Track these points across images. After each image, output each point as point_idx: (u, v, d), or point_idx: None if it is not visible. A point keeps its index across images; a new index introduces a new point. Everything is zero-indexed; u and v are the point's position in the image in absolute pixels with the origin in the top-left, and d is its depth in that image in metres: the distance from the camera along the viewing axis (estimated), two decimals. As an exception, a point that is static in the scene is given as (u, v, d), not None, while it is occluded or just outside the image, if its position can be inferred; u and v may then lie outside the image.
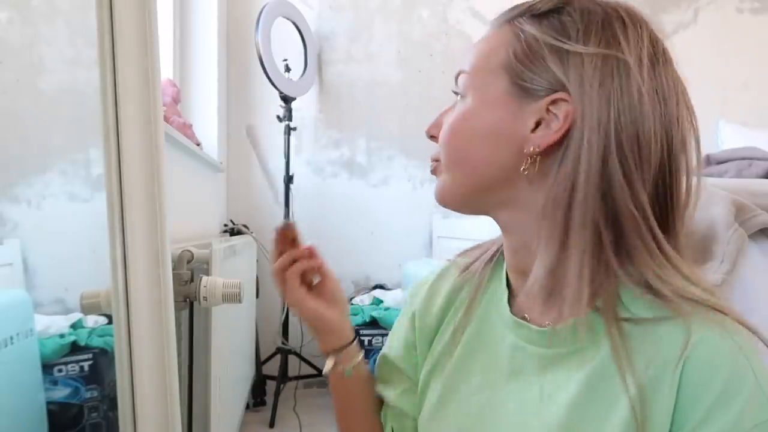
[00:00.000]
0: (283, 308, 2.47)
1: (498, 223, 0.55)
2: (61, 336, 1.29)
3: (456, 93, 0.55)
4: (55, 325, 1.30)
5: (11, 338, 1.09)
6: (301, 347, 2.53)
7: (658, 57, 0.50)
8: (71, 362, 1.27)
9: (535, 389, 0.51)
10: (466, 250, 0.67)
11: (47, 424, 1.22)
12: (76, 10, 1.43)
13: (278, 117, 2.42)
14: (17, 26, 1.38)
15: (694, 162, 0.49)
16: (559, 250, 0.48)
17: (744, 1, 2.84)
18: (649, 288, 0.46)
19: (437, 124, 0.56)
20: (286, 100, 2.40)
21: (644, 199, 0.45)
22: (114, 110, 0.76)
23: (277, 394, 2.23)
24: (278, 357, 2.38)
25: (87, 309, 0.91)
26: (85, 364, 1.28)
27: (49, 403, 1.24)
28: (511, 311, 0.56)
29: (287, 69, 2.44)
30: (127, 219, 0.77)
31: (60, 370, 1.26)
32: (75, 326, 1.34)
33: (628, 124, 0.45)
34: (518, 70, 0.49)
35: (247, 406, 2.25)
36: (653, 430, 0.43)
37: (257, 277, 2.46)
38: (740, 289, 1.12)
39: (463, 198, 0.54)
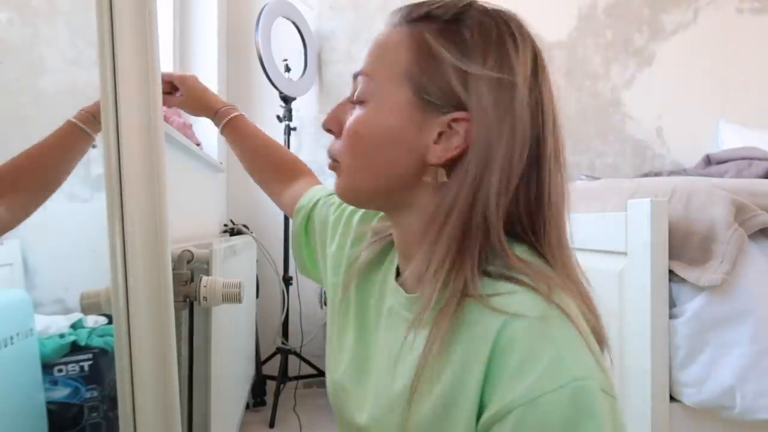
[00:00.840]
0: (283, 308, 2.48)
1: (390, 218, 0.60)
2: (61, 336, 1.29)
3: (353, 99, 0.58)
4: (55, 325, 1.30)
5: (11, 338, 1.09)
6: (301, 347, 2.53)
7: (539, 70, 0.53)
8: (71, 362, 1.27)
9: (398, 344, 0.57)
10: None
11: (47, 424, 1.22)
12: (76, 10, 1.43)
13: (278, 117, 2.42)
14: (17, 26, 1.38)
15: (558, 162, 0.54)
16: (434, 245, 0.52)
17: (744, 1, 2.85)
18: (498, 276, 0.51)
19: (336, 120, 0.59)
20: (286, 100, 2.40)
21: (502, 211, 0.50)
22: (114, 110, 0.76)
23: (277, 394, 2.23)
24: (278, 357, 2.37)
25: (87, 309, 0.91)
26: (85, 364, 1.28)
27: (49, 403, 1.24)
28: (396, 281, 0.62)
29: (287, 69, 2.44)
30: (127, 219, 0.77)
31: (60, 370, 1.26)
32: (75, 326, 1.34)
33: (511, 141, 0.50)
34: (422, 84, 0.52)
35: (247, 406, 2.25)
36: (464, 404, 0.47)
37: (257, 277, 2.46)
38: (740, 289, 1.12)
39: (365, 198, 0.59)
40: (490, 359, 0.46)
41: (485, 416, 0.45)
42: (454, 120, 0.51)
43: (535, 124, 0.51)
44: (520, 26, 0.54)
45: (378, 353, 0.61)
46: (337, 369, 0.67)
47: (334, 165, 0.59)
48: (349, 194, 0.59)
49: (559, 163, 0.53)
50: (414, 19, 0.54)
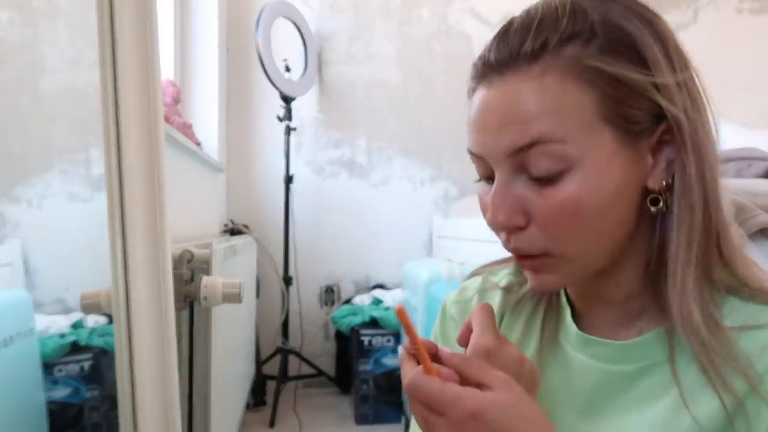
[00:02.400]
0: (283, 308, 2.48)
1: (593, 277, 0.49)
2: (62, 336, 1.29)
3: (536, 177, 0.44)
4: (55, 324, 1.31)
5: (12, 338, 1.09)
6: (301, 347, 2.53)
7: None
8: (71, 362, 1.27)
9: (621, 407, 0.47)
10: (488, 265, 0.63)
11: (47, 424, 1.22)
12: (76, 10, 1.43)
13: (278, 117, 2.43)
14: (17, 26, 1.38)
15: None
16: (652, 272, 0.46)
17: (744, 1, 2.85)
18: (747, 291, 0.45)
19: (517, 210, 0.45)
20: (286, 100, 2.40)
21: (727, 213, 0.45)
22: (114, 110, 0.76)
23: (277, 393, 2.23)
24: (278, 357, 2.38)
25: (87, 309, 0.91)
26: (86, 364, 1.28)
27: (49, 402, 1.24)
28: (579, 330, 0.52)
29: (287, 69, 2.44)
30: (127, 219, 0.77)
31: (60, 370, 1.26)
32: (75, 326, 1.34)
33: (709, 129, 0.46)
34: (625, 116, 0.43)
35: (247, 406, 2.25)
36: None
37: (257, 277, 2.46)
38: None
39: (591, 274, 0.48)
40: None
41: None
42: (663, 133, 0.44)
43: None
44: (651, 8, 0.47)
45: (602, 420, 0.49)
46: None
47: (544, 262, 0.47)
48: (572, 281, 0.50)
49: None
50: (554, 49, 0.43)
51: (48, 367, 1.25)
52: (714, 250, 0.45)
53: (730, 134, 2.48)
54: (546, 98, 0.43)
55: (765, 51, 2.83)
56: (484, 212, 0.48)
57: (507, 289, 0.59)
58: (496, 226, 0.46)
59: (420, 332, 0.65)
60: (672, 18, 2.81)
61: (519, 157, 0.44)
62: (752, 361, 0.42)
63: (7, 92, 1.37)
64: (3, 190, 1.36)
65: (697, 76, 0.47)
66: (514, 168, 0.45)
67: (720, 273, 0.45)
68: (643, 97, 0.43)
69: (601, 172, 0.43)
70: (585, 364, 0.50)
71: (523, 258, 0.47)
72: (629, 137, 0.44)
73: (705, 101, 0.47)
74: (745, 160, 1.90)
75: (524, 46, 0.43)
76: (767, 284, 0.45)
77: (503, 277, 0.60)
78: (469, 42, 2.72)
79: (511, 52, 0.44)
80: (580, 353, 0.51)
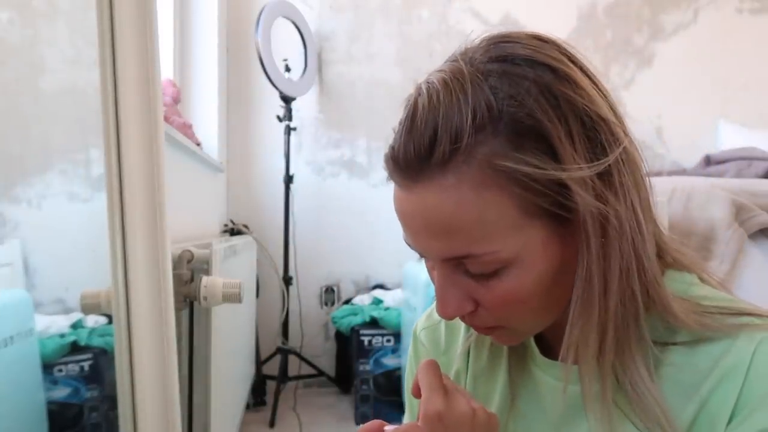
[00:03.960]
0: (283, 308, 2.48)
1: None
2: (62, 336, 1.29)
3: (475, 274, 0.44)
4: (55, 325, 1.30)
5: (11, 338, 1.09)
6: (301, 347, 2.53)
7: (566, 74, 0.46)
8: (71, 362, 1.27)
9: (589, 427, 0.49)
10: None
11: (47, 424, 1.22)
12: (76, 10, 1.43)
13: (278, 117, 2.43)
14: (17, 26, 1.38)
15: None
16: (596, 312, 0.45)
17: (744, 1, 2.84)
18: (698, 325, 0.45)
19: (463, 298, 0.45)
20: (286, 100, 2.40)
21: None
22: (114, 110, 0.76)
23: (277, 393, 2.23)
24: (278, 357, 2.38)
25: (87, 309, 0.91)
26: (86, 364, 1.28)
27: (49, 403, 1.24)
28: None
29: (287, 69, 2.44)
30: (127, 219, 0.77)
31: (60, 370, 1.26)
32: (75, 326, 1.34)
33: (624, 228, 0.45)
34: (544, 207, 0.41)
35: (247, 406, 2.25)
36: None
37: (257, 277, 2.46)
38: (739, 289, 1.12)
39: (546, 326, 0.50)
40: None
41: None
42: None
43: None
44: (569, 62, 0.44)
45: None
46: None
47: (500, 332, 0.49)
48: (528, 335, 0.51)
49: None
50: (464, 151, 0.40)
51: (48, 367, 1.25)
52: (656, 298, 0.45)
53: (730, 134, 2.51)
54: (466, 211, 0.41)
55: (765, 51, 2.83)
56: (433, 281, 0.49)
57: None
58: (447, 317, 0.46)
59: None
60: (672, 18, 2.82)
61: (454, 260, 0.44)
62: (696, 385, 0.43)
63: (7, 92, 1.37)
64: (3, 190, 1.36)
65: (631, 141, 0.44)
66: (452, 265, 0.45)
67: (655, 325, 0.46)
68: (551, 184, 0.40)
69: (538, 261, 0.43)
70: (553, 386, 0.51)
71: (478, 329, 0.49)
72: (560, 220, 0.42)
73: (638, 177, 0.44)
74: (745, 160, 1.91)
75: (434, 153, 0.40)
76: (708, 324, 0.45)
77: None
78: (469, 42, 2.71)
79: (420, 159, 0.41)
80: (547, 375, 0.52)
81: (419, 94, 0.43)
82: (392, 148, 0.44)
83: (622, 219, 0.42)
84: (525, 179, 0.40)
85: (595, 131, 0.41)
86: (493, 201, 0.40)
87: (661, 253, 0.48)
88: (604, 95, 0.44)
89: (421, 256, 0.47)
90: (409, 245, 0.47)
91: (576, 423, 0.49)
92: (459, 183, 0.40)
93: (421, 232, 0.43)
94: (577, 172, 0.40)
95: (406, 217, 0.44)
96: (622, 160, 0.42)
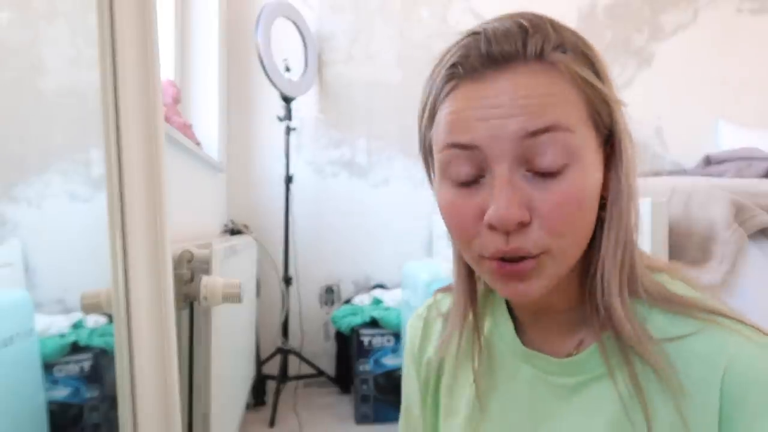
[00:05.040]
0: (283, 308, 2.48)
1: None
2: (62, 336, 1.29)
3: (540, 169, 0.45)
4: (55, 325, 1.30)
5: (12, 338, 1.09)
6: (301, 347, 2.53)
7: None
8: (72, 362, 1.27)
9: (564, 420, 0.50)
10: (443, 288, 0.65)
11: (48, 424, 1.22)
12: (76, 10, 1.43)
13: (278, 117, 2.43)
14: (17, 26, 1.39)
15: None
16: (589, 280, 0.49)
17: (744, 1, 2.85)
18: (666, 302, 0.48)
19: (525, 206, 0.45)
20: (286, 100, 2.40)
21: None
22: (114, 110, 0.76)
23: (277, 393, 2.23)
24: (278, 357, 2.38)
25: (87, 309, 0.91)
26: (86, 364, 1.28)
27: (49, 403, 1.24)
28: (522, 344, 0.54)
29: (287, 69, 2.44)
30: (127, 219, 0.77)
31: (60, 370, 1.26)
32: (76, 326, 1.34)
33: (636, 151, 0.51)
34: (598, 121, 0.47)
35: (247, 406, 2.25)
36: None
37: (257, 277, 2.46)
38: (739, 289, 1.12)
39: (563, 276, 0.49)
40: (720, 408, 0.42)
41: None
42: (612, 145, 0.49)
43: None
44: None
45: None
46: None
47: (540, 261, 0.46)
48: (551, 287, 0.48)
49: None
50: (552, 52, 0.46)
51: (48, 367, 1.25)
52: (637, 258, 0.49)
53: (729, 134, 2.51)
54: (556, 90, 0.45)
55: (765, 51, 2.83)
56: (457, 221, 0.48)
57: (446, 316, 0.61)
58: (509, 222, 0.44)
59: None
60: (672, 18, 2.82)
61: (526, 145, 0.44)
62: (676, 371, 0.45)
63: (7, 92, 1.37)
64: (3, 190, 1.36)
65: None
66: (516, 159, 0.44)
67: (647, 283, 0.49)
68: (607, 109, 0.47)
69: (591, 168, 0.46)
70: (532, 375, 0.53)
71: (515, 262, 0.46)
72: (600, 142, 0.47)
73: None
74: (745, 160, 1.90)
75: (529, 45, 0.45)
76: (677, 294, 0.48)
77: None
78: (469, 42, 2.72)
79: (518, 49, 0.45)
80: (526, 364, 0.54)
81: (495, 21, 0.49)
82: (471, 51, 0.46)
83: (630, 159, 0.49)
84: (590, 90, 0.46)
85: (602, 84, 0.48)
86: (571, 92, 0.45)
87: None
88: None
89: (465, 172, 0.46)
90: (462, 147, 0.46)
91: (558, 415, 0.50)
92: (549, 70, 0.45)
93: (504, 113, 0.44)
94: (617, 96, 0.48)
95: (488, 100, 0.45)
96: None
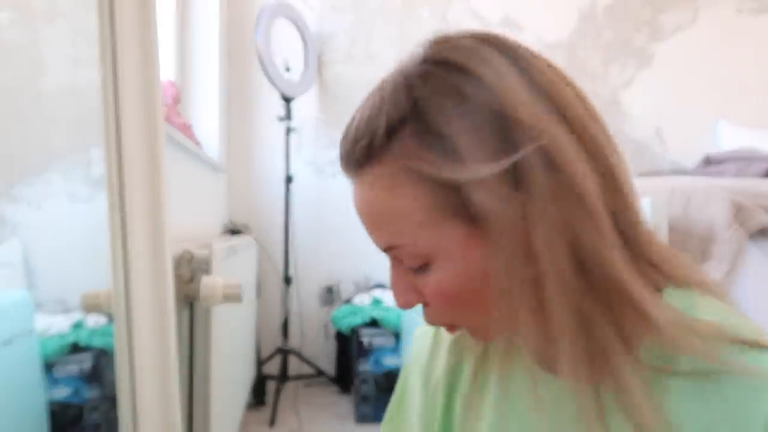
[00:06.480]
0: (283, 308, 2.48)
1: None
2: (62, 336, 1.29)
3: (408, 267, 0.46)
4: (55, 325, 1.30)
5: (12, 338, 1.09)
6: (301, 347, 2.53)
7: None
8: (72, 362, 1.27)
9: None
10: None
11: (48, 424, 1.22)
12: (76, 10, 1.43)
13: (278, 117, 2.43)
14: (17, 26, 1.39)
15: None
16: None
17: (744, 1, 2.85)
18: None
19: (411, 291, 0.47)
20: (286, 100, 2.40)
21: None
22: (114, 110, 0.76)
23: (277, 393, 2.23)
24: (278, 357, 2.38)
25: (88, 309, 0.91)
26: (86, 364, 1.28)
27: (50, 403, 1.24)
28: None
29: (287, 69, 2.44)
30: (127, 219, 0.77)
31: (61, 371, 1.26)
32: (76, 326, 1.34)
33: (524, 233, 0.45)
34: (456, 206, 0.42)
35: (247, 406, 2.25)
36: None
37: (257, 277, 2.46)
38: (739, 288, 1.12)
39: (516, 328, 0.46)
40: None
41: None
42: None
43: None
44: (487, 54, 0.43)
45: None
46: None
47: (461, 330, 0.49)
48: (494, 335, 0.49)
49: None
50: (378, 151, 0.43)
51: (48, 367, 1.25)
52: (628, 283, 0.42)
53: (729, 134, 2.51)
54: (385, 205, 0.43)
55: (765, 51, 2.83)
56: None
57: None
58: (403, 307, 0.47)
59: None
60: (672, 18, 2.82)
61: (389, 251, 0.46)
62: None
63: (7, 92, 1.37)
64: (3, 190, 1.36)
65: (555, 140, 0.40)
66: (393, 257, 0.47)
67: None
68: (465, 191, 0.41)
69: (458, 260, 0.43)
70: (546, 398, 0.49)
71: (441, 326, 0.49)
72: (476, 220, 0.41)
73: (570, 177, 0.40)
74: (745, 160, 1.91)
75: (355, 153, 0.44)
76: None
77: None
78: (469, 42, 2.71)
79: (350, 157, 0.45)
80: (540, 388, 0.50)
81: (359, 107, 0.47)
82: (344, 135, 0.47)
83: (536, 221, 0.40)
84: (432, 179, 0.41)
85: (507, 132, 0.40)
86: (406, 195, 0.42)
87: (654, 266, 0.45)
88: (555, 94, 0.42)
89: None
90: None
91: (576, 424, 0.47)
92: (377, 179, 0.43)
93: (363, 224, 0.47)
94: (475, 173, 0.39)
95: (356, 208, 0.47)
96: (542, 159, 0.40)
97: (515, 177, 0.39)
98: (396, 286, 0.47)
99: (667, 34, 2.83)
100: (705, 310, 0.43)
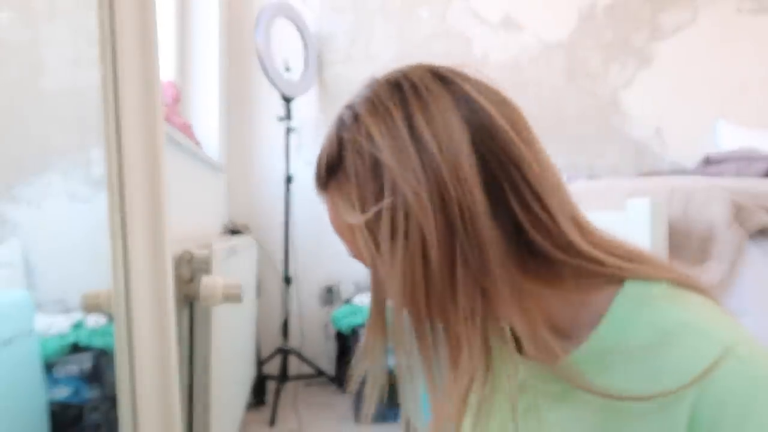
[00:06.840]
0: (283, 308, 2.48)
1: None
2: (62, 336, 1.29)
3: None
4: (55, 325, 1.31)
5: (12, 338, 1.09)
6: (301, 347, 2.53)
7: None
8: (72, 362, 1.27)
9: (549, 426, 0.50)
10: None
11: (48, 425, 1.22)
12: (76, 10, 1.43)
13: (278, 117, 2.43)
14: (18, 26, 1.39)
15: None
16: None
17: (744, 1, 2.85)
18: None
19: None
20: (286, 100, 2.40)
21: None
22: (114, 110, 0.76)
23: (277, 393, 2.24)
24: (278, 357, 2.38)
25: (88, 309, 0.91)
26: (86, 365, 1.28)
27: (50, 403, 1.24)
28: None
29: (287, 69, 2.44)
30: (127, 219, 0.77)
31: (61, 371, 1.26)
32: (76, 326, 1.34)
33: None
34: (381, 224, 0.48)
35: (247, 406, 2.25)
36: None
37: (257, 277, 2.46)
38: (738, 289, 1.12)
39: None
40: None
41: None
42: None
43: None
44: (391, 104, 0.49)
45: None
46: None
47: None
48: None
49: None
50: (326, 182, 0.52)
51: (48, 367, 1.25)
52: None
53: (729, 134, 2.50)
54: (336, 224, 0.52)
55: (765, 51, 2.83)
56: None
57: None
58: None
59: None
60: (672, 18, 2.82)
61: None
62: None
63: (7, 92, 1.37)
64: (3, 190, 1.36)
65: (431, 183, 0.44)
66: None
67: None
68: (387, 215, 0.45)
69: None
70: (522, 381, 0.53)
71: None
72: (389, 233, 0.46)
73: (424, 222, 0.44)
74: (745, 160, 1.90)
75: (317, 178, 0.52)
76: None
77: None
78: (468, 42, 2.72)
79: (315, 180, 0.53)
80: (521, 370, 0.53)
81: None
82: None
83: (396, 263, 0.45)
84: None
85: (381, 179, 0.45)
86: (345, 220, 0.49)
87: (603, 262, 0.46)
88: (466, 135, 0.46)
89: None
90: None
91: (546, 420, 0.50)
92: (329, 202, 0.52)
93: None
94: (352, 219, 0.47)
95: None
96: (402, 206, 0.44)
97: (384, 224, 0.45)
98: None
99: (667, 33, 2.83)
100: (665, 301, 0.45)
